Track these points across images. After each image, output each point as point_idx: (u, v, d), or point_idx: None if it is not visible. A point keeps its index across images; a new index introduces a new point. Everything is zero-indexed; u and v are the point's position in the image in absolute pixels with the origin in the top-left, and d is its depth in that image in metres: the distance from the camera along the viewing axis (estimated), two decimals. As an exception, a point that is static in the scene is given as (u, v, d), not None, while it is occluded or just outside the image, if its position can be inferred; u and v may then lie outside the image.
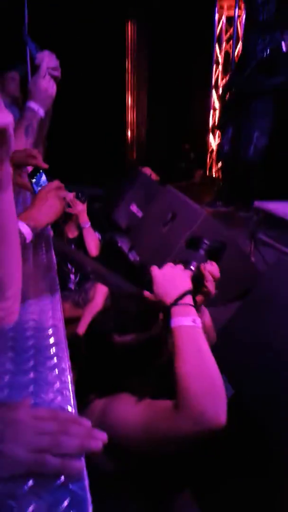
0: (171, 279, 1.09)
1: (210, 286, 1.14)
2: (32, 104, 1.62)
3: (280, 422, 1.51)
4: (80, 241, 3.04)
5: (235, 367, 1.79)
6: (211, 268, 1.15)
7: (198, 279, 1.14)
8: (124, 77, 6.65)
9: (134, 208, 3.78)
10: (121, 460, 1.02)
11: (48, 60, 1.60)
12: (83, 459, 0.65)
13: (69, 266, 2.89)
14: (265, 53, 4.42)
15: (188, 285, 1.09)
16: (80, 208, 2.94)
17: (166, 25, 6.13)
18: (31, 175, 1.43)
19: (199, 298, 1.18)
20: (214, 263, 1.17)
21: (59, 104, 1.74)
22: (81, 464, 0.64)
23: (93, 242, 3.01)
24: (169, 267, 1.14)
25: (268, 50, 4.41)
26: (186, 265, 1.16)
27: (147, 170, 4.56)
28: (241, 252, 2.83)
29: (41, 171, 1.44)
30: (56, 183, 1.34)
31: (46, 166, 1.41)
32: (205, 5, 6.48)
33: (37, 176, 1.43)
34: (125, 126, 6.79)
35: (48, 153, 1.87)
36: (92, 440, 0.66)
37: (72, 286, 2.94)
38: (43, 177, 1.44)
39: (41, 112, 1.63)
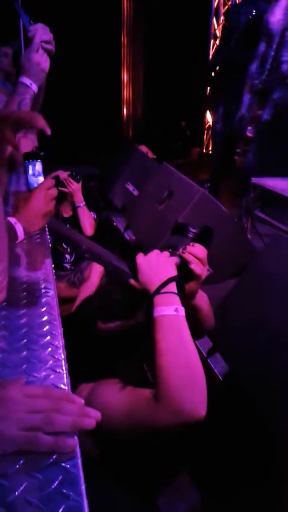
0: (155, 267, 1.06)
1: (196, 268, 1.10)
2: (25, 79, 1.56)
3: (274, 399, 1.52)
4: (75, 221, 3.01)
5: (230, 344, 1.79)
6: (193, 250, 1.11)
7: (184, 265, 1.11)
8: (120, 53, 6.51)
9: (130, 186, 3.74)
10: (107, 446, 1.02)
11: (41, 33, 1.54)
12: (76, 437, 0.64)
13: (64, 245, 2.87)
14: (247, 23, 4.24)
15: (172, 272, 1.06)
16: (75, 187, 2.90)
17: (162, -1, 5.99)
18: (27, 157, 1.39)
19: (192, 284, 1.15)
20: (197, 244, 1.12)
21: (53, 79, 1.69)
22: (74, 441, 0.63)
23: (88, 221, 2.98)
24: (154, 255, 1.11)
25: (250, 20, 4.23)
26: (173, 251, 1.13)
27: (143, 148, 4.50)
28: (237, 230, 2.81)
29: (38, 160, 1.39)
30: (48, 183, 1.32)
31: (49, 132, 1.36)
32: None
33: (32, 164, 1.39)
34: (121, 103, 6.68)
35: (41, 130, 1.83)
36: (85, 418, 0.65)
37: (67, 265, 2.92)
38: (39, 167, 1.39)
39: (34, 87, 1.58)
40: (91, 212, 3.05)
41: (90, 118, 5.75)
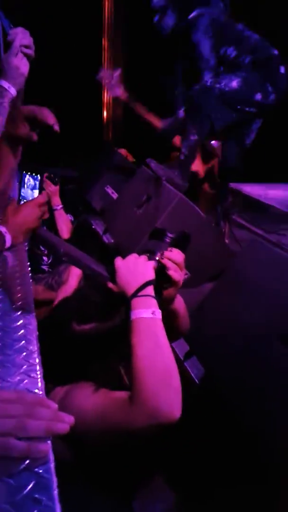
0: (133, 270, 1.07)
1: (174, 274, 1.11)
2: (3, 82, 1.55)
3: (248, 402, 1.54)
4: (51, 223, 3.00)
5: (206, 348, 1.81)
6: (171, 255, 1.12)
7: (162, 270, 1.12)
8: (100, 56, 6.51)
9: (109, 189, 3.73)
10: (80, 449, 1.02)
11: (21, 37, 1.54)
12: (49, 442, 0.64)
13: (42, 248, 2.85)
14: None
15: (149, 275, 1.07)
16: (52, 190, 2.89)
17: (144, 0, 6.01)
18: (26, 169, 1.39)
19: (170, 290, 1.16)
20: (174, 250, 1.14)
21: (32, 82, 1.68)
22: (47, 446, 0.64)
23: (64, 224, 2.97)
24: (132, 258, 1.12)
25: None
26: (151, 256, 1.14)
27: (123, 152, 4.50)
28: (215, 234, 2.84)
29: (37, 174, 1.40)
30: (41, 199, 1.34)
31: (57, 129, 1.35)
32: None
33: (30, 177, 1.40)
34: (101, 105, 6.67)
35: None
36: (59, 423, 0.66)
37: (45, 267, 2.90)
38: (36, 181, 1.41)
39: (13, 90, 1.57)
40: (68, 215, 3.04)
41: (69, 121, 5.72)
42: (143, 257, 1.12)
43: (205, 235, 2.64)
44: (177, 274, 1.12)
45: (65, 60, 5.73)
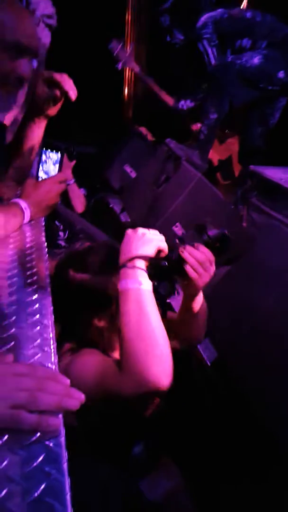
0: (135, 241, 1.07)
1: (190, 270, 1.09)
2: None
3: (261, 388, 1.53)
4: (64, 198, 2.98)
5: (220, 331, 1.80)
6: (193, 251, 1.10)
7: (179, 262, 1.10)
8: (124, 30, 6.37)
9: (127, 168, 3.70)
10: (84, 416, 1.03)
11: (43, 7, 1.50)
12: (60, 416, 0.65)
13: (57, 223, 2.85)
14: None
15: (147, 251, 1.05)
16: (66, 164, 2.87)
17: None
18: (47, 146, 1.38)
19: (189, 287, 1.16)
20: (201, 247, 1.11)
21: (54, 55, 1.65)
22: (58, 421, 0.64)
23: (78, 198, 2.96)
24: (141, 230, 1.10)
25: None
26: (177, 244, 1.13)
27: (143, 130, 4.44)
28: (232, 217, 2.80)
29: (58, 151, 1.38)
30: (61, 176, 1.33)
31: (73, 97, 1.32)
32: None
33: (50, 154, 1.37)
34: (123, 82, 6.56)
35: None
36: (70, 399, 0.66)
37: (61, 242, 2.91)
38: (56, 159, 1.38)
39: (34, 62, 1.55)
40: (81, 189, 3.02)
41: (89, 96, 5.65)
42: (154, 232, 1.11)
43: (222, 217, 2.60)
44: (194, 271, 1.09)
45: (88, 35, 5.62)
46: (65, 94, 1.28)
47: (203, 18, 3.28)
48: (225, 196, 2.79)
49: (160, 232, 1.13)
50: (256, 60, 3.18)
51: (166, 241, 1.14)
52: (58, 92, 1.28)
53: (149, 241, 1.07)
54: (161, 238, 1.10)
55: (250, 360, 1.60)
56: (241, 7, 4.39)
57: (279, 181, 2.65)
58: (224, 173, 4.06)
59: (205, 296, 1.38)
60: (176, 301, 1.56)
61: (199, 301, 1.24)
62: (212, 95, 3.39)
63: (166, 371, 0.92)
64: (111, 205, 3.53)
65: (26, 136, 1.37)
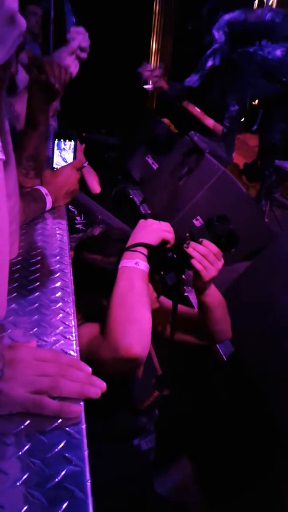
0: (142, 230, 1.15)
1: (196, 264, 1.16)
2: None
3: (275, 384, 1.52)
4: (80, 181, 2.98)
5: (237, 326, 1.78)
6: (197, 246, 1.16)
7: (186, 256, 1.16)
8: (151, 20, 6.32)
9: (149, 159, 3.68)
10: None
11: (81, 39, 1.49)
12: (82, 403, 0.65)
13: (71, 208, 2.85)
14: None
15: (151, 240, 1.13)
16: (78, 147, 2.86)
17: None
18: (60, 135, 1.38)
19: (197, 281, 1.20)
20: (205, 242, 1.17)
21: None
22: (80, 408, 0.64)
23: (94, 179, 2.95)
24: (149, 221, 1.18)
25: None
26: (187, 237, 1.19)
27: (166, 122, 4.41)
28: (254, 212, 2.77)
29: (71, 140, 1.39)
30: (78, 163, 1.35)
31: (54, 83, 1.33)
32: None
33: (64, 143, 1.38)
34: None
35: (64, 97, 1.79)
36: (91, 387, 0.66)
37: (79, 226, 2.91)
38: (70, 147, 1.39)
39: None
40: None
41: (114, 87, 5.64)
42: (160, 224, 1.17)
43: (244, 212, 2.58)
44: (200, 264, 1.16)
45: (114, 28, 5.59)
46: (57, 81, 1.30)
47: (221, 21, 3.24)
48: (249, 193, 2.76)
49: (180, 224, 1.17)
50: (278, 52, 3.12)
51: (177, 233, 1.20)
52: (44, 78, 1.30)
53: (154, 231, 1.15)
54: (168, 229, 1.17)
55: (268, 356, 1.59)
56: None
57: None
58: (249, 176, 4.03)
59: (224, 291, 1.37)
60: (194, 297, 1.56)
61: (213, 296, 1.26)
62: (233, 86, 3.34)
63: (141, 342, 0.98)
64: (131, 196, 3.53)
65: (32, 125, 1.38)
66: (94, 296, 1.21)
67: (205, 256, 1.15)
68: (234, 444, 1.55)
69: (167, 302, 1.37)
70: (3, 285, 0.69)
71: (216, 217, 1.23)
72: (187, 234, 1.19)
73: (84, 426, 0.63)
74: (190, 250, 1.16)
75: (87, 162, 2.93)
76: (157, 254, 1.15)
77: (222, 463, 1.53)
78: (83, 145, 2.88)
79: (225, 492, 1.51)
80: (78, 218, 2.85)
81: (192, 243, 1.16)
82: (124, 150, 4.28)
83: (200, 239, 1.18)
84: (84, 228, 2.87)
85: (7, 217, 0.68)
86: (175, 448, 1.53)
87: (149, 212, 3.19)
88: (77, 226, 2.86)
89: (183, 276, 1.26)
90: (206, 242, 1.17)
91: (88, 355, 0.99)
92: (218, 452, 1.52)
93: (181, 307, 1.36)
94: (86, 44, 1.51)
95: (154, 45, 6.43)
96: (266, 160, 3.34)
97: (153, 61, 6.39)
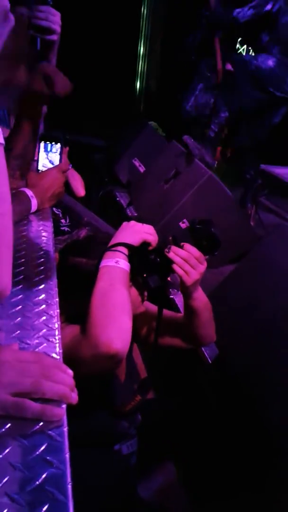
0: (124, 231, 1.15)
1: (177, 269, 1.15)
2: None
3: (261, 388, 1.53)
4: (66, 184, 2.97)
5: (223, 329, 1.79)
6: (179, 251, 1.15)
7: (166, 258, 1.16)
8: (139, 24, 6.33)
9: (136, 162, 3.69)
10: None
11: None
12: (64, 406, 0.64)
13: (56, 210, 2.84)
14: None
15: (132, 240, 1.13)
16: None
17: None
18: (45, 138, 1.38)
19: (183, 285, 1.19)
20: (186, 246, 1.16)
21: (67, 48, 1.62)
22: (62, 411, 0.64)
23: (78, 182, 2.94)
24: (132, 223, 1.18)
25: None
26: (169, 241, 1.18)
27: (153, 125, 4.42)
28: (240, 216, 2.79)
29: (57, 142, 1.38)
30: (64, 166, 1.34)
31: (63, 95, 1.32)
32: None
33: (50, 146, 1.37)
34: (135, 76, 6.53)
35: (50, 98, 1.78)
36: (74, 393, 0.66)
37: (64, 228, 2.89)
38: (56, 149, 1.38)
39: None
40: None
41: (101, 90, 5.64)
42: (142, 226, 1.17)
43: (229, 215, 2.59)
44: (181, 269, 1.15)
45: (102, 29, 5.59)
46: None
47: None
48: (233, 193, 2.78)
49: (166, 227, 1.17)
50: (271, 62, 3.19)
51: (162, 236, 1.20)
52: (48, 87, 1.29)
53: (135, 232, 1.15)
54: (150, 232, 1.17)
55: (252, 359, 1.60)
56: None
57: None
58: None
59: (209, 293, 1.37)
60: (180, 300, 1.56)
61: (199, 300, 1.26)
62: (225, 93, 3.39)
63: (121, 338, 0.98)
64: (118, 199, 3.53)
65: (21, 125, 1.37)
66: (78, 299, 1.20)
67: (187, 260, 1.15)
68: (218, 447, 1.55)
69: (153, 306, 1.37)
70: (8, 257, 0.66)
71: (198, 221, 1.22)
72: (170, 238, 1.19)
73: (66, 429, 0.62)
74: (171, 255, 1.15)
75: (70, 165, 2.93)
76: (139, 257, 1.15)
77: (206, 465, 1.54)
78: (67, 148, 2.87)
79: (210, 494, 1.51)
80: (63, 220, 2.84)
81: (173, 247, 1.16)
82: (112, 153, 4.28)
83: (182, 243, 1.17)
84: (69, 230, 2.86)
85: (9, 195, 0.68)
86: (159, 451, 1.52)
87: (136, 214, 3.19)
88: (62, 228, 2.85)
89: (169, 279, 1.25)
90: (187, 246, 1.16)
91: (69, 355, 0.98)
92: (202, 455, 1.52)
93: (166, 311, 1.36)
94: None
95: (141, 50, 6.44)
96: (244, 163, 3.39)
97: (141, 66, 6.42)
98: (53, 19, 1.45)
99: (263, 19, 3.40)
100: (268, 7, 3.41)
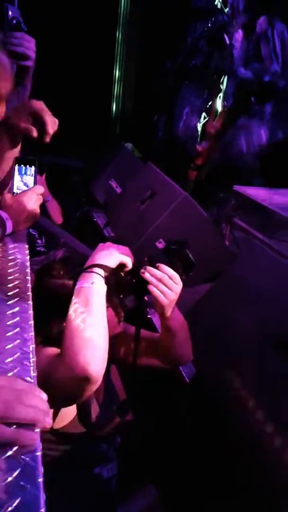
0: (100, 252, 1.15)
1: (152, 289, 1.16)
2: None
3: (236, 406, 1.54)
4: (44, 213, 3.00)
5: (199, 348, 1.81)
6: (152, 271, 1.16)
7: (142, 279, 1.16)
8: (114, 48, 6.46)
9: (113, 183, 3.73)
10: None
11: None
12: (37, 431, 0.64)
13: (32, 231, 2.84)
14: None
15: (108, 262, 1.13)
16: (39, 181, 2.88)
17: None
18: (20, 161, 1.39)
19: (157, 304, 1.20)
20: (161, 266, 1.17)
21: (42, 71, 1.65)
22: (35, 435, 0.64)
23: (56, 211, 2.97)
24: (109, 243, 1.19)
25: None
26: (145, 262, 1.18)
27: (130, 146, 4.49)
28: (215, 235, 2.83)
29: (32, 165, 1.40)
30: (39, 189, 1.35)
31: (47, 140, 1.35)
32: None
33: (25, 169, 1.39)
34: (111, 99, 6.64)
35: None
36: (47, 418, 0.66)
37: (41, 249, 2.89)
38: (31, 172, 1.40)
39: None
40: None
41: (78, 112, 5.70)
42: (118, 247, 1.17)
43: (204, 235, 2.64)
44: (156, 290, 1.15)
45: (78, 52, 5.69)
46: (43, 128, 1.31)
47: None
48: (208, 214, 2.83)
49: (143, 247, 1.17)
50: (264, 139, 3.38)
51: (137, 257, 1.20)
52: (37, 128, 1.31)
53: (111, 254, 1.15)
54: (126, 253, 1.18)
55: (228, 378, 1.61)
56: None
57: (262, 202, 2.71)
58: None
59: (186, 312, 1.39)
60: (157, 319, 1.57)
61: (175, 319, 1.26)
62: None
63: (97, 360, 0.98)
64: (95, 219, 3.55)
65: (4, 149, 1.38)
66: (55, 321, 1.20)
67: (162, 281, 1.15)
68: (197, 467, 1.55)
69: (130, 327, 1.37)
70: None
71: (173, 241, 1.24)
72: (146, 259, 1.20)
73: (39, 454, 0.62)
74: (146, 276, 1.16)
75: (50, 196, 2.94)
76: (115, 278, 1.16)
77: (186, 486, 1.53)
78: (43, 175, 2.89)
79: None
80: (39, 240, 2.84)
81: (148, 268, 1.16)
82: (88, 174, 4.32)
83: (157, 264, 1.18)
84: (45, 251, 2.85)
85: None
86: (139, 474, 1.51)
87: (113, 235, 3.21)
88: (38, 248, 2.85)
89: (145, 298, 1.26)
90: (162, 266, 1.17)
91: (46, 378, 0.98)
92: (181, 475, 1.51)
93: (143, 331, 1.36)
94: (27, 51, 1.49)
95: (117, 73, 6.57)
96: (217, 184, 3.50)
97: (116, 89, 6.52)
98: (28, 45, 1.48)
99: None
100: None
